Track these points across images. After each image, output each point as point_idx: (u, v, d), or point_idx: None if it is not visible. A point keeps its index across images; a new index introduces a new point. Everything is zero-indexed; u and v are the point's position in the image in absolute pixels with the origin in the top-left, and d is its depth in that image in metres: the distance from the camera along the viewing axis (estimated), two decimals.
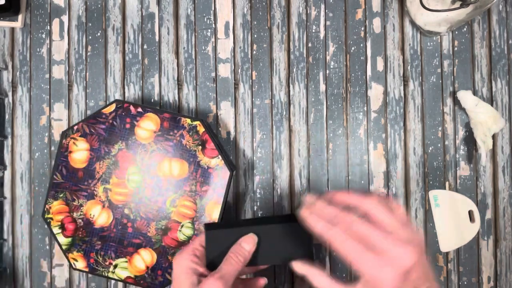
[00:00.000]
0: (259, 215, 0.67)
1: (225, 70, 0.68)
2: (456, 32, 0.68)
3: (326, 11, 0.68)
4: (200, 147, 0.60)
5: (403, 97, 0.68)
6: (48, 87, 0.68)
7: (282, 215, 0.52)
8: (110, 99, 0.68)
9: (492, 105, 0.67)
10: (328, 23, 0.68)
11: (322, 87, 0.68)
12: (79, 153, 0.61)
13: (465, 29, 0.68)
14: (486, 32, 0.68)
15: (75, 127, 0.61)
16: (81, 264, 0.61)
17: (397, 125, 0.67)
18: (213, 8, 0.68)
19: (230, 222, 0.52)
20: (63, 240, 0.61)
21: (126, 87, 0.68)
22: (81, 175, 0.61)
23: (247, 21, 0.68)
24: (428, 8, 0.59)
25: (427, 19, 0.63)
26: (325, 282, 0.45)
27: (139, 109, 0.60)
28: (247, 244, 0.49)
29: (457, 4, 0.60)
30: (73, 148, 0.61)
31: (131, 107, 0.60)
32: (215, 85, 0.68)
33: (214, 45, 0.68)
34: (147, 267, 0.61)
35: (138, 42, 0.68)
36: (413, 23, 0.68)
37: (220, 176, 0.60)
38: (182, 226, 0.60)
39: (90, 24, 0.69)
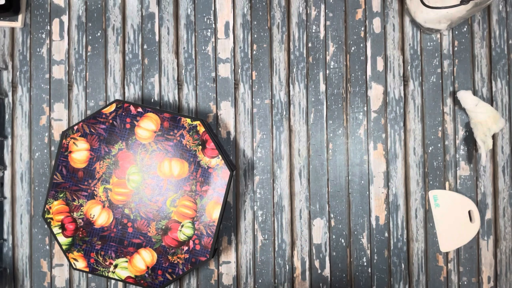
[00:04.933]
0: (259, 215, 0.67)
1: (225, 70, 0.68)
2: (456, 32, 0.68)
3: (326, 11, 0.68)
4: (200, 147, 0.60)
5: (403, 97, 0.68)
6: (48, 87, 0.68)
7: None
8: (110, 99, 0.68)
9: (492, 105, 0.67)
10: (328, 23, 0.68)
11: (322, 87, 0.68)
12: (79, 153, 0.61)
13: (465, 29, 0.68)
14: (486, 32, 0.68)
15: (75, 127, 0.61)
16: (81, 264, 0.61)
17: (397, 125, 0.67)
18: (213, 8, 0.68)
19: None
20: (63, 240, 0.61)
21: (126, 87, 0.68)
22: (81, 175, 0.61)
23: (247, 21, 0.68)
24: (428, 5, 0.59)
25: (427, 16, 0.63)
26: None
27: (139, 109, 0.60)
28: None
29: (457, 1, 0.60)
30: (73, 148, 0.61)
31: (131, 107, 0.60)
32: (215, 85, 0.68)
33: (214, 45, 0.68)
34: (147, 267, 0.61)
35: (138, 42, 0.68)
36: (413, 22, 0.68)
37: (220, 176, 0.60)
38: (182, 226, 0.60)
39: (90, 24, 0.69)
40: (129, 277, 0.61)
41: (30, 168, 0.68)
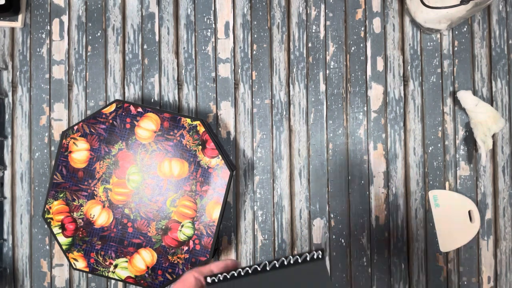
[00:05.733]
0: (259, 215, 0.67)
1: (225, 70, 0.68)
2: (456, 32, 0.68)
3: (326, 11, 0.68)
4: (200, 147, 0.60)
5: (403, 97, 0.68)
6: (48, 87, 0.68)
7: (300, 254, 0.48)
8: (110, 99, 0.68)
9: (492, 105, 0.67)
10: (328, 23, 0.68)
11: (322, 87, 0.68)
12: (79, 153, 0.61)
13: (465, 29, 0.68)
14: (486, 32, 0.68)
15: (75, 127, 0.61)
16: (81, 264, 0.61)
17: (397, 125, 0.67)
18: (213, 8, 0.68)
19: (236, 273, 0.48)
20: (63, 240, 0.61)
21: (126, 87, 0.68)
22: (81, 175, 0.61)
23: (247, 21, 0.68)
24: (428, 5, 0.59)
25: (427, 16, 0.63)
26: None
27: (139, 109, 0.60)
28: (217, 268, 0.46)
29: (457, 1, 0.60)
30: (73, 148, 0.61)
31: (131, 107, 0.60)
32: (215, 85, 0.68)
33: (214, 45, 0.68)
34: (147, 267, 0.61)
35: (138, 42, 0.68)
36: (413, 22, 0.68)
37: (220, 176, 0.60)
38: (182, 226, 0.60)
39: (90, 24, 0.69)
40: (129, 277, 0.61)
41: (30, 168, 0.68)
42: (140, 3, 0.69)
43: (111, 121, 0.60)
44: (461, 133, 0.67)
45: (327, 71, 0.68)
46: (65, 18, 0.69)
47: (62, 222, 0.61)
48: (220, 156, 0.60)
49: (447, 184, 0.67)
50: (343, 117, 0.68)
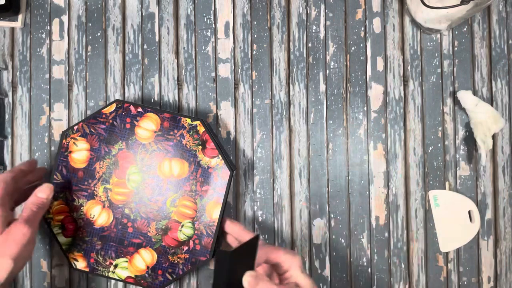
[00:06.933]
0: (259, 215, 0.67)
1: (225, 70, 0.68)
2: (456, 32, 0.68)
3: (326, 11, 0.68)
4: (200, 147, 0.60)
5: (403, 97, 0.68)
6: (48, 87, 0.68)
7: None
8: (110, 99, 0.68)
9: (492, 105, 0.67)
10: (328, 23, 0.68)
11: (322, 87, 0.68)
12: (79, 153, 0.61)
13: (465, 29, 0.68)
14: (486, 32, 0.68)
15: (75, 127, 0.61)
16: (81, 264, 0.61)
17: (397, 125, 0.67)
18: (213, 8, 0.68)
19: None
20: (63, 240, 0.61)
21: (126, 87, 0.68)
22: (81, 175, 0.61)
23: (247, 21, 0.68)
24: (428, 5, 0.59)
25: (427, 16, 0.63)
26: None
27: (139, 109, 0.60)
28: (43, 193, 0.56)
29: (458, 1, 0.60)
30: (73, 148, 0.61)
31: (131, 107, 0.60)
32: (215, 85, 0.68)
33: (214, 45, 0.68)
34: (148, 267, 0.61)
35: (138, 42, 0.68)
36: (413, 22, 0.68)
37: (220, 176, 0.60)
38: (182, 226, 0.60)
39: (90, 24, 0.69)
40: (129, 277, 0.61)
41: None
42: (140, 3, 0.69)
43: (111, 121, 0.60)
44: (461, 133, 0.67)
45: (327, 71, 0.68)
46: (65, 18, 0.69)
47: (62, 222, 0.61)
48: (220, 156, 0.60)
49: (447, 184, 0.67)
50: (343, 117, 0.68)
